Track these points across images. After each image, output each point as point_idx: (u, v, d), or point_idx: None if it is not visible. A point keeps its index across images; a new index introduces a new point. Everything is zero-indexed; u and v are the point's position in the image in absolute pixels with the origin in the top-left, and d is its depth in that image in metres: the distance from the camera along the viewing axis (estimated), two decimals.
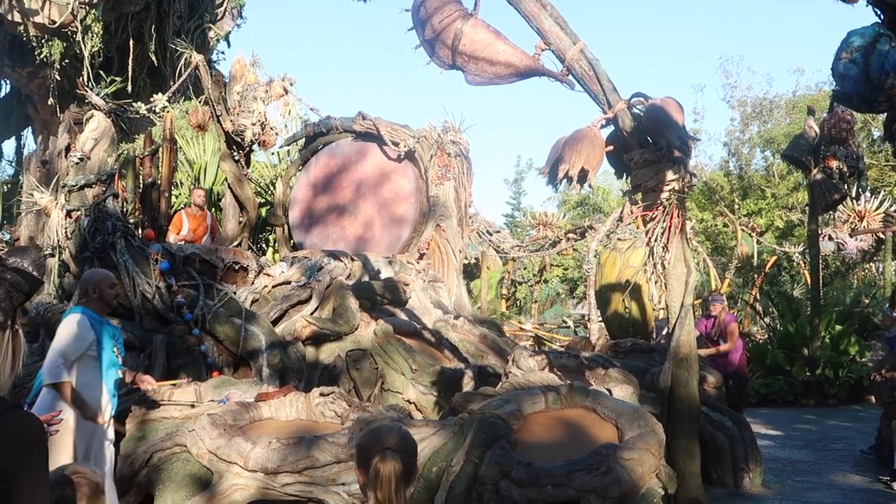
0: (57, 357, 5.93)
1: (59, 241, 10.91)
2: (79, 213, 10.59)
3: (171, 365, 9.64)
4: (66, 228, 10.69)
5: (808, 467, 10.41)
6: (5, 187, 20.41)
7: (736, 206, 35.96)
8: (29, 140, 21.55)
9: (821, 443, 12.13)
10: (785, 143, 23.09)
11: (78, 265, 10.53)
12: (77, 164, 10.85)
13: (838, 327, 17.64)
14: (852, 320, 18.43)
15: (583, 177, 7.58)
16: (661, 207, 7.49)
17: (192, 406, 7.45)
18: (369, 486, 3.00)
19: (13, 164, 22.62)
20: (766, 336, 20.27)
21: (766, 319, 21.61)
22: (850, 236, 21.89)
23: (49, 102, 17.24)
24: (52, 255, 11.38)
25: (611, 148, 7.92)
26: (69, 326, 6.02)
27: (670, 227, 7.44)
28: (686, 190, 7.55)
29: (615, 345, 11.81)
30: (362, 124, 14.22)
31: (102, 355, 6.06)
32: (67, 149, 12.94)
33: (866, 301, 20.49)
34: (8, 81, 19.28)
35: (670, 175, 7.34)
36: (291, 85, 14.61)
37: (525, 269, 28.88)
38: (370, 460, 3.02)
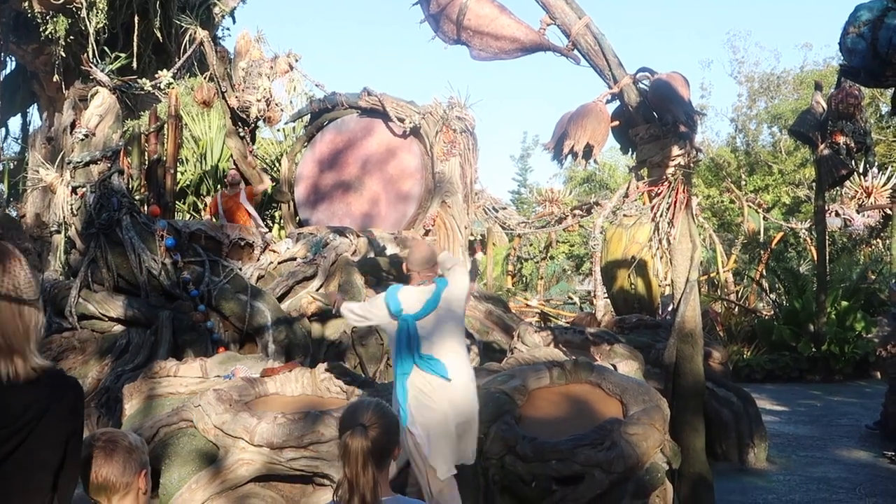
0: None
1: (64, 217, 10.92)
2: (84, 189, 10.60)
3: (178, 341, 9.68)
4: (71, 205, 10.70)
5: (813, 442, 10.44)
6: (11, 164, 20.43)
7: (743, 182, 35.91)
8: (34, 117, 21.54)
9: (826, 418, 12.15)
10: (792, 119, 23.02)
11: (84, 241, 10.55)
12: (82, 140, 10.84)
13: (844, 303, 17.65)
14: (858, 296, 18.42)
15: (588, 152, 7.55)
16: (666, 183, 7.47)
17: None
18: (340, 460, 3.00)
19: (19, 140, 22.66)
20: (772, 312, 20.27)
21: (772, 295, 21.62)
22: (857, 212, 21.84)
23: (54, 79, 17.21)
24: (58, 232, 11.40)
25: (616, 123, 7.89)
26: None
27: (675, 202, 7.42)
28: (692, 165, 7.53)
29: (620, 321, 11.83)
30: (368, 100, 14.18)
31: None
32: (73, 125, 12.94)
33: (872, 277, 20.47)
34: (13, 58, 19.23)
35: (676, 150, 7.31)
36: (297, 61, 14.56)
37: (531, 245, 28.90)
38: (343, 435, 3.02)
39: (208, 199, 14.13)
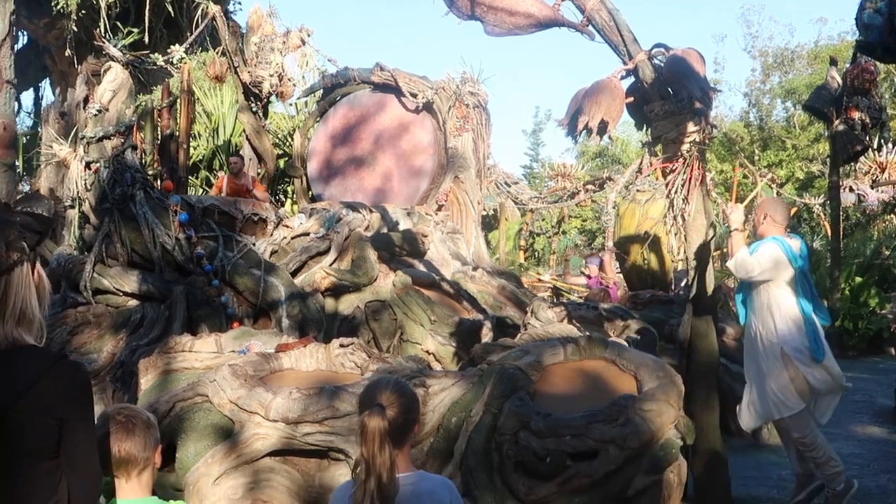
0: None
1: (78, 192, 10.95)
2: (98, 164, 10.61)
3: (192, 316, 9.71)
4: (85, 180, 10.72)
5: None
6: (25, 139, 20.46)
7: (756, 158, 35.73)
8: (47, 91, 21.57)
9: None
10: (806, 94, 22.92)
11: (98, 217, 10.58)
12: (95, 115, 10.85)
13: (858, 279, 17.59)
14: (872, 272, 18.35)
15: (602, 128, 7.51)
16: (681, 159, 7.43)
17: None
18: (358, 439, 2.98)
19: (32, 115, 22.68)
20: None
21: None
22: (872, 188, 21.72)
23: (66, 54, 17.24)
24: (72, 207, 11.44)
25: (631, 99, 7.84)
26: None
27: (690, 178, 7.39)
28: (706, 142, 7.49)
29: (634, 296, 11.81)
30: (380, 75, 14.15)
31: None
32: (86, 100, 12.96)
33: (886, 253, 20.37)
34: (25, 33, 19.23)
35: (691, 127, 7.26)
36: (309, 36, 14.54)
37: (543, 220, 28.87)
38: (361, 414, 3.00)
39: (221, 173, 14.10)
